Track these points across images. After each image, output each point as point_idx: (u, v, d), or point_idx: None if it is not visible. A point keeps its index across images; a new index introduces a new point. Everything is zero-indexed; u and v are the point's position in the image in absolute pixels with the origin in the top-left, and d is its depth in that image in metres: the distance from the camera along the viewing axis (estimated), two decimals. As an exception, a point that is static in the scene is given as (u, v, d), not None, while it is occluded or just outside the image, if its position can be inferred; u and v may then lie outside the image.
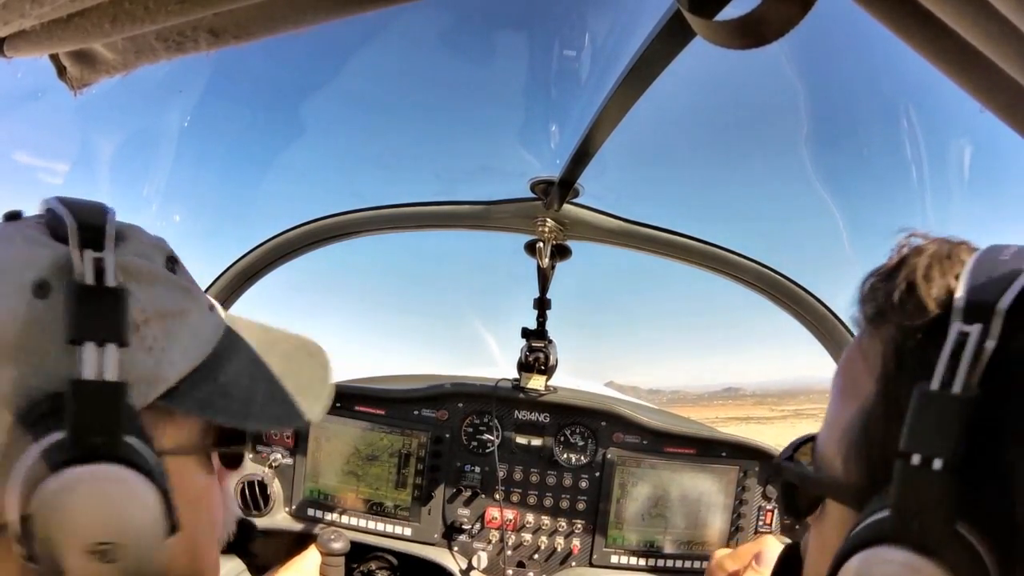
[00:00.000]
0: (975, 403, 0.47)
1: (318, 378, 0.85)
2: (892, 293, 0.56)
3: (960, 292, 0.51)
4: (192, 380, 0.69)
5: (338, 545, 1.72)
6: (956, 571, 0.46)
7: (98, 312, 0.59)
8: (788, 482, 0.65)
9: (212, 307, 0.77)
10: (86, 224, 0.62)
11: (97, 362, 0.58)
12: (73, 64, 0.78)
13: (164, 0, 0.62)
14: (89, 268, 0.60)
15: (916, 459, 0.47)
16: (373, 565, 2.06)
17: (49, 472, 0.56)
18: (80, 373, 0.58)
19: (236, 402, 0.72)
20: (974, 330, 0.48)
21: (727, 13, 0.65)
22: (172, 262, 0.71)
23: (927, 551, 0.47)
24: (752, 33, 0.62)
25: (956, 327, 0.49)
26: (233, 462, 0.82)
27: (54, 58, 0.78)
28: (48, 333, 0.59)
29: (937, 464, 0.47)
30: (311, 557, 1.75)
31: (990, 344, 0.48)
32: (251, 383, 0.75)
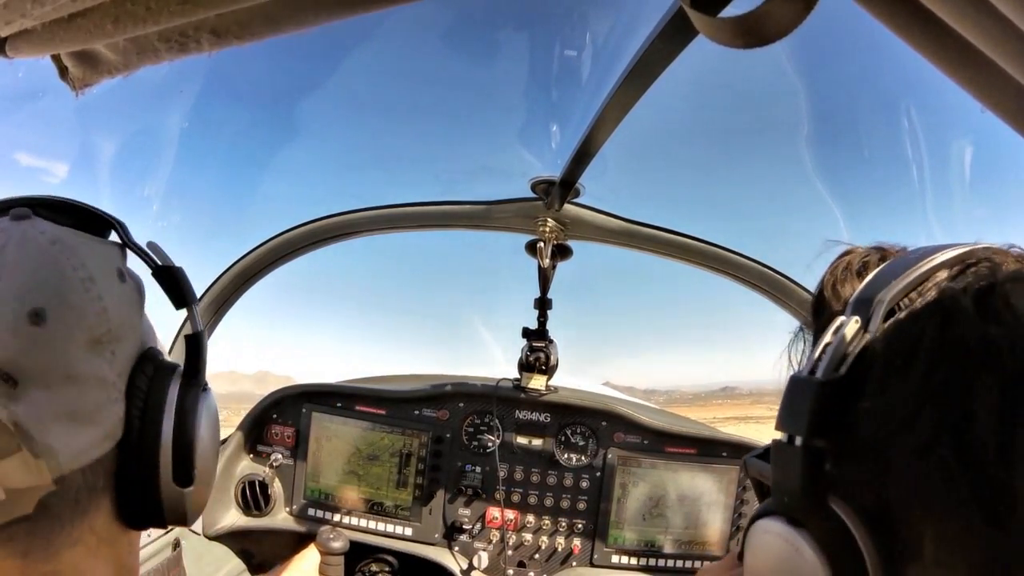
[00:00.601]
0: (835, 387, 0.50)
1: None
2: (811, 307, 0.65)
3: (858, 290, 0.56)
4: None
5: (337, 544, 1.73)
6: (822, 540, 0.50)
7: (185, 283, 0.77)
8: (753, 478, 0.69)
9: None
10: (118, 221, 0.74)
11: (197, 317, 0.77)
12: (75, 64, 0.78)
13: (166, 0, 0.63)
14: (154, 253, 0.75)
15: (783, 437, 0.52)
16: (374, 565, 2.06)
17: (197, 401, 0.73)
18: (195, 327, 0.76)
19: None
20: (850, 321, 0.52)
21: (730, 11, 0.65)
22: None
23: (796, 522, 0.52)
24: (755, 32, 0.61)
25: (838, 320, 0.53)
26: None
27: (56, 58, 0.78)
28: (134, 309, 0.71)
29: (797, 441, 0.51)
30: (310, 556, 1.75)
31: (868, 335, 0.51)
32: None
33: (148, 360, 0.70)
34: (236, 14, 0.67)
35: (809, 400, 0.51)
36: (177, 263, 0.79)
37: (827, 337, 0.53)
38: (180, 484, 0.70)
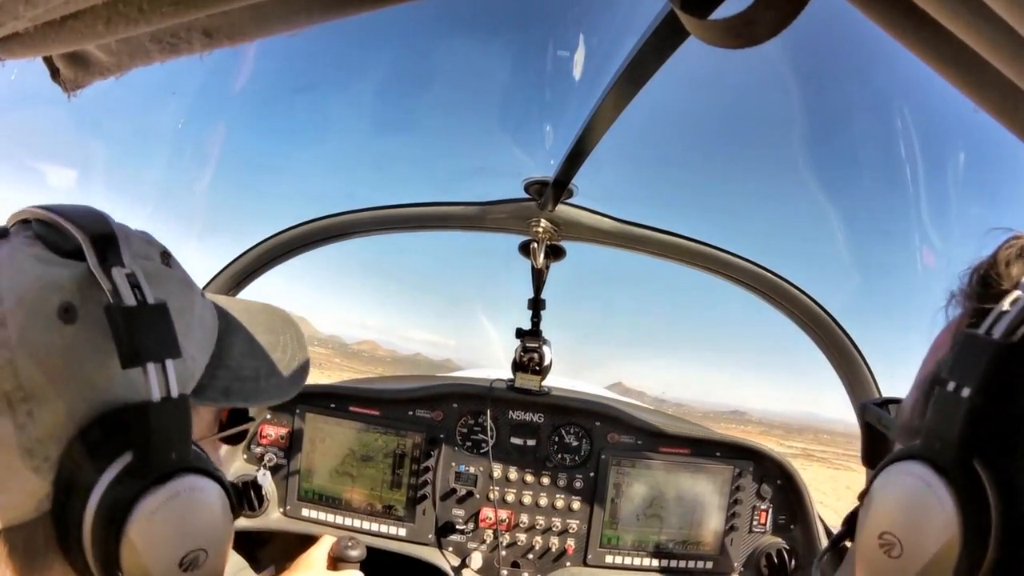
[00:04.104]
0: (1010, 350, 0.51)
1: (299, 345, 0.88)
2: (978, 279, 0.64)
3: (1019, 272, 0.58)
4: (210, 371, 0.70)
5: (355, 553, 1.72)
6: (960, 494, 0.51)
7: (151, 331, 0.58)
8: (868, 423, 0.73)
9: (203, 293, 0.77)
10: (96, 235, 0.60)
11: (160, 381, 0.57)
12: (67, 66, 0.78)
13: (158, 2, 0.62)
14: (125, 287, 0.58)
15: (951, 386, 0.53)
16: (368, 565, 2.06)
17: (133, 498, 0.55)
18: (148, 395, 0.57)
19: (248, 383, 0.74)
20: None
21: (720, 13, 0.65)
22: (166, 256, 0.70)
23: (940, 469, 0.53)
24: (744, 32, 0.61)
25: (1015, 294, 0.55)
26: (237, 440, 0.84)
27: (48, 60, 0.77)
28: (87, 359, 0.57)
29: (965, 392, 0.52)
30: (318, 553, 1.74)
31: None
32: (254, 361, 0.77)
33: (99, 426, 0.56)
34: (227, 15, 0.66)
35: (985, 357, 0.52)
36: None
37: (1004, 306, 0.54)
38: None
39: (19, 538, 0.56)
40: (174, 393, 0.58)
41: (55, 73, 0.78)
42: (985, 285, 0.65)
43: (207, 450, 0.70)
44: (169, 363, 0.58)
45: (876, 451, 0.76)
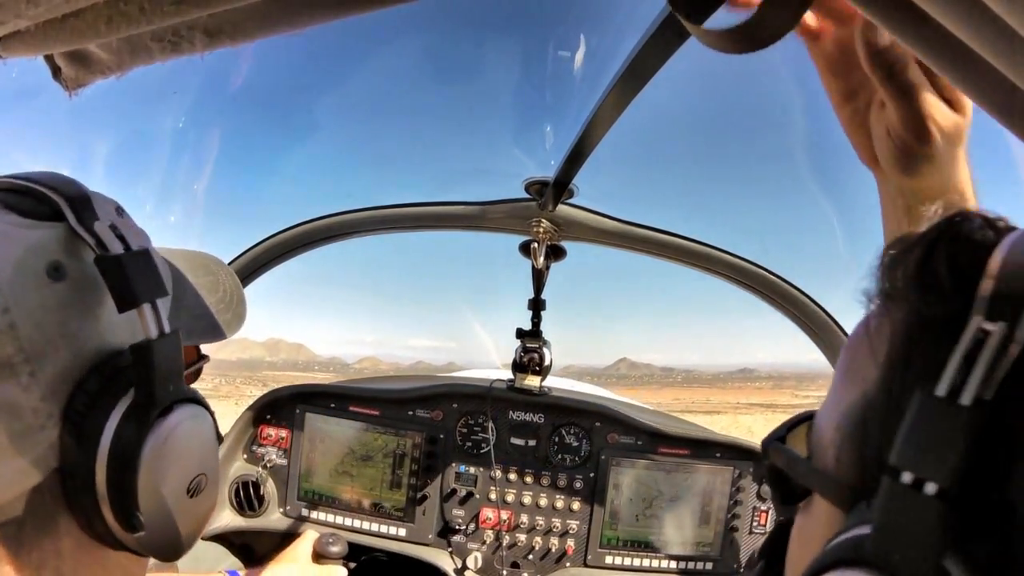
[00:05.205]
0: (986, 419, 0.38)
1: (233, 279, 0.94)
2: (911, 270, 0.47)
3: (988, 279, 0.42)
4: (173, 313, 0.73)
5: (336, 549, 1.72)
6: None
7: (142, 274, 0.62)
8: (775, 466, 0.57)
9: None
10: (71, 196, 0.62)
11: (155, 319, 0.62)
12: (68, 65, 0.77)
13: (160, 1, 0.62)
14: (110, 237, 0.61)
15: (907, 477, 0.40)
16: (367, 566, 2.05)
17: (143, 432, 0.59)
18: (147, 333, 0.61)
19: (204, 320, 0.79)
20: (997, 329, 0.39)
21: (721, 19, 0.65)
22: (120, 211, 0.72)
23: None
24: (746, 37, 0.61)
25: (976, 322, 0.40)
26: (192, 379, 0.90)
27: (49, 59, 0.77)
28: (79, 312, 0.60)
29: (930, 488, 0.39)
30: (302, 547, 1.74)
31: (1015, 348, 0.39)
32: (204, 300, 0.81)
33: (96, 374, 0.59)
34: (230, 14, 0.66)
35: (960, 438, 0.38)
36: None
37: (964, 344, 0.40)
38: (127, 529, 0.60)
39: (29, 503, 0.57)
40: (167, 329, 0.63)
41: (56, 72, 0.78)
42: (927, 295, 0.46)
43: None
44: (159, 302, 0.63)
45: (784, 489, 0.57)
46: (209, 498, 0.69)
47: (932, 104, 0.70)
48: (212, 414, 0.69)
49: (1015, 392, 0.38)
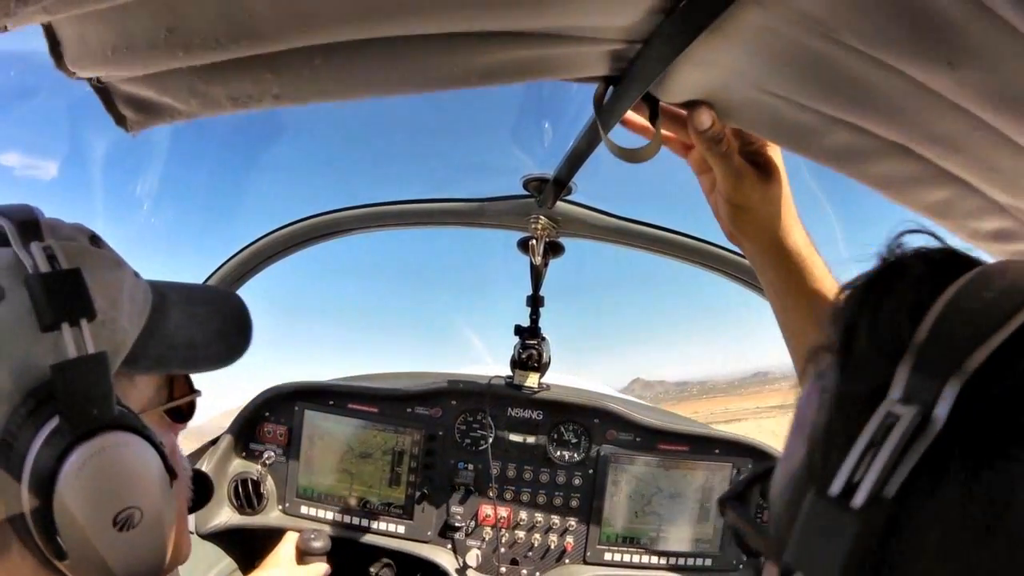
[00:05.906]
0: (884, 523, 0.33)
1: (238, 312, 0.91)
2: (844, 327, 0.40)
3: (910, 350, 0.35)
4: (142, 341, 0.72)
5: (319, 544, 1.71)
6: None
7: (64, 293, 0.61)
8: (731, 526, 0.52)
9: (137, 274, 0.79)
10: (19, 222, 0.64)
11: (76, 340, 0.61)
12: (135, 112, 0.81)
13: (238, 77, 0.70)
14: (41, 258, 0.62)
15: None
16: (366, 563, 2.05)
17: (59, 457, 0.58)
18: (66, 354, 0.60)
19: (182, 351, 0.77)
20: (907, 413, 0.33)
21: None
22: (95, 240, 0.73)
23: None
24: (632, 156, 0.86)
25: (885, 406, 0.35)
26: (184, 416, 0.86)
27: (111, 107, 0.80)
28: (17, 333, 0.60)
29: None
30: (285, 549, 1.74)
31: (927, 436, 0.33)
32: (189, 331, 0.79)
33: (32, 397, 0.59)
34: (295, 83, 0.72)
35: (844, 541, 0.33)
36: (158, 263, 0.71)
37: (867, 432, 0.34)
38: (52, 556, 0.59)
39: None
40: (90, 350, 0.61)
41: (120, 119, 0.81)
42: (854, 343, 0.39)
43: (154, 425, 0.73)
44: (84, 323, 0.62)
45: (749, 550, 0.52)
46: (149, 535, 0.65)
47: (741, 163, 0.84)
48: (156, 445, 0.66)
49: (925, 486, 0.33)
